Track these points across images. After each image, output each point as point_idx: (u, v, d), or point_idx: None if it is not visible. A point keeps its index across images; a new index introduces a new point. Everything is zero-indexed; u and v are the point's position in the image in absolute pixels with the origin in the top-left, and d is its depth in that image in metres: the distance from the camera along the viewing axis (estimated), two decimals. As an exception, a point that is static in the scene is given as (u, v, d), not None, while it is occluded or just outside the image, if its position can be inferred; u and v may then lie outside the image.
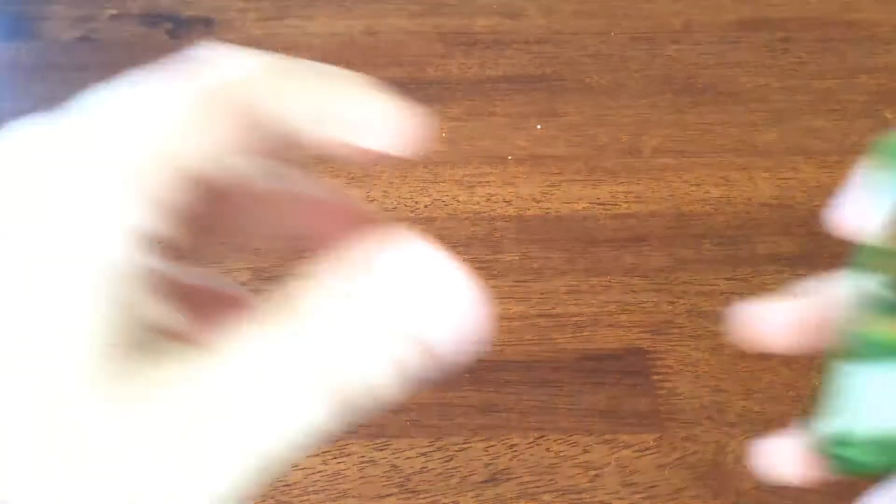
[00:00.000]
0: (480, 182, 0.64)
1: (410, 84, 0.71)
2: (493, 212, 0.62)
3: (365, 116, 0.23)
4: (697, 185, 0.62)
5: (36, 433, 0.19)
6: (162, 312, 0.23)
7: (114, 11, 0.79)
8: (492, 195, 0.63)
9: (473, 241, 0.61)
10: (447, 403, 0.50)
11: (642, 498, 0.47)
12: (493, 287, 0.57)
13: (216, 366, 0.20)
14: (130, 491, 0.19)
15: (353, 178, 0.64)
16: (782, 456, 0.28)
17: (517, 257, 0.59)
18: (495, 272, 0.58)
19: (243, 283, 0.57)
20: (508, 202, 0.62)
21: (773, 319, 0.29)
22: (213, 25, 0.78)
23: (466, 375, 0.51)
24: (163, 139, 0.20)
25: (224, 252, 0.54)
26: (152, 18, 0.79)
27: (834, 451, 0.27)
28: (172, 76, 0.22)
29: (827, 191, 0.61)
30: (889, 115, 0.67)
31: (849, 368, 0.27)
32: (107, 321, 0.20)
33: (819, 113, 0.67)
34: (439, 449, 0.49)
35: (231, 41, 0.75)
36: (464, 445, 0.49)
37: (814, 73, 0.71)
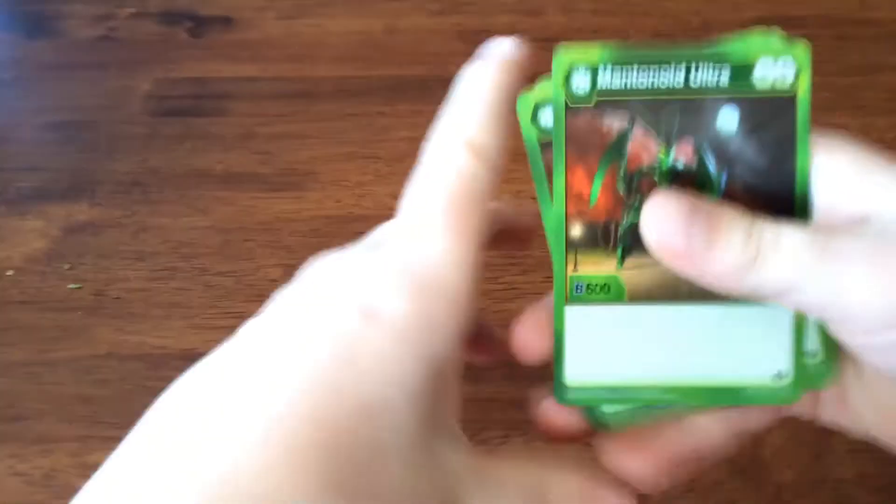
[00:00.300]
0: (506, 178, 0.64)
1: (431, 82, 0.72)
2: (520, 207, 0.62)
3: None
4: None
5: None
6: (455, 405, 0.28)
7: (133, 10, 0.80)
8: (519, 191, 0.63)
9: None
10: (485, 399, 0.50)
11: (682, 491, 0.47)
12: (526, 282, 0.58)
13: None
14: None
15: (379, 176, 0.64)
16: (546, 411, 0.30)
17: (547, 253, 0.59)
18: (526, 267, 0.58)
19: (274, 280, 0.57)
20: (535, 198, 0.63)
21: None
22: (233, 24, 0.78)
23: (503, 371, 0.51)
24: None
25: (254, 248, 0.54)
26: (172, 17, 0.79)
27: (569, 398, 0.29)
28: None
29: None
30: (910, 112, 0.68)
31: (568, 312, 0.29)
32: (428, 402, 0.25)
33: (842, 110, 0.68)
34: (479, 443, 0.49)
35: (250, 39, 0.75)
36: (503, 440, 0.49)
37: (834, 70, 0.71)
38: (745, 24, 0.75)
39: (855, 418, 0.30)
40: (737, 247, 0.26)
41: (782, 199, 0.28)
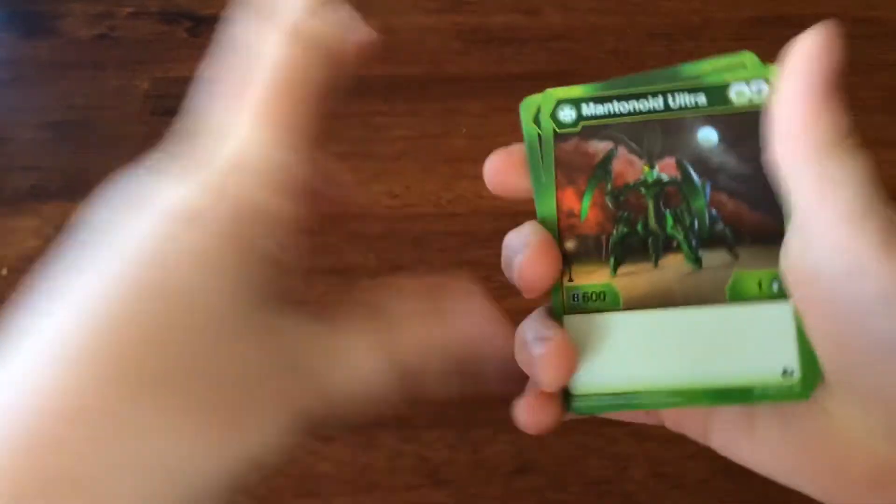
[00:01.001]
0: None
1: (429, 81, 0.72)
2: (516, 207, 0.62)
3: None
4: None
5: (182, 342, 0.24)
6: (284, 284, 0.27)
7: (132, 9, 0.80)
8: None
9: (496, 236, 0.60)
10: (474, 396, 0.50)
11: (669, 489, 0.47)
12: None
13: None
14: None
15: (376, 175, 0.64)
16: (526, 406, 0.30)
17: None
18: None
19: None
20: (531, 198, 0.63)
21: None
22: (228, 23, 0.78)
23: (493, 370, 0.51)
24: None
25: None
26: (171, 16, 0.79)
27: (579, 407, 0.30)
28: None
29: (847, 185, 0.62)
30: (907, 111, 0.67)
31: (567, 321, 0.30)
32: (251, 284, 0.26)
33: (838, 108, 0.68)
34: (467, 441, 0.49)
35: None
36: (491, 437, 0.49)
37: (832, 69, 0.71)
38: (744, 23, 0.75)
39: (764, 451, 0.30)
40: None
41: (766, 203, 0.29)
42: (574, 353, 0.30)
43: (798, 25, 0.78)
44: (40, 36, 0.78)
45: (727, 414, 0.30)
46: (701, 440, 0.31)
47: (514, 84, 0.71)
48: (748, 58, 0.29)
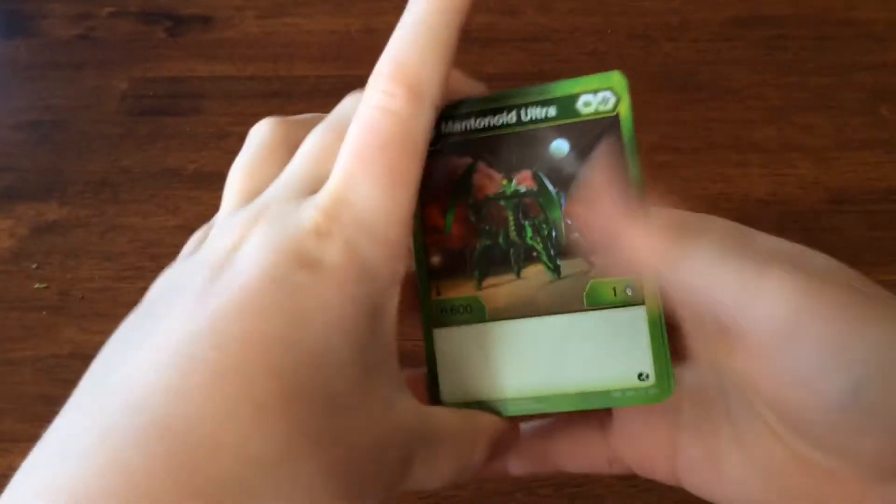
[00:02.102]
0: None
1: (408, 81, 0.72)
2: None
3: None
4: (694, 181, 0.63)
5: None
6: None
7: (112, 9, 0.80)
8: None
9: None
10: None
11: (639, 492, 0.47)
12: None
13: None
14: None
15: (351, 175, 0.64)
16: None
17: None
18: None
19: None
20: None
21: None
22: (212, 23, 0.78)
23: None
24: None
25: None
26: (151, 16, 0.79)
27: None
28: None
29: (823, 187, 0.62)
30: (885, 112, 0.67)
31: (436, 334, 0.31)
32: (371, 350, 0.25)
33: (816, 110, 0.68)
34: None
35: (228, 39, 0.75)
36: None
37: (810, 70, 0.71)
38: (724, 24, 0.75)
39: (729, 488, 0.30)
40: (661, 225, 0.27)
41: None
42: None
43: (778, 26, 0.78)
44: (19, 35, 0.77)
45: (691, 455, 0.30)
46: (673, 483, 0.31)
47: (493, 85, 0.70)
48: (615, 77, 0.30)
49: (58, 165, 0.65)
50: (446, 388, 0.31)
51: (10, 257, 0.59)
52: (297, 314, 0.23)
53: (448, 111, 0.31)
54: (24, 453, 0.50)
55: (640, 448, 0.32)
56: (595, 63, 0.73)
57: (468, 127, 0.31)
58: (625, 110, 0.30)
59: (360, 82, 0.77)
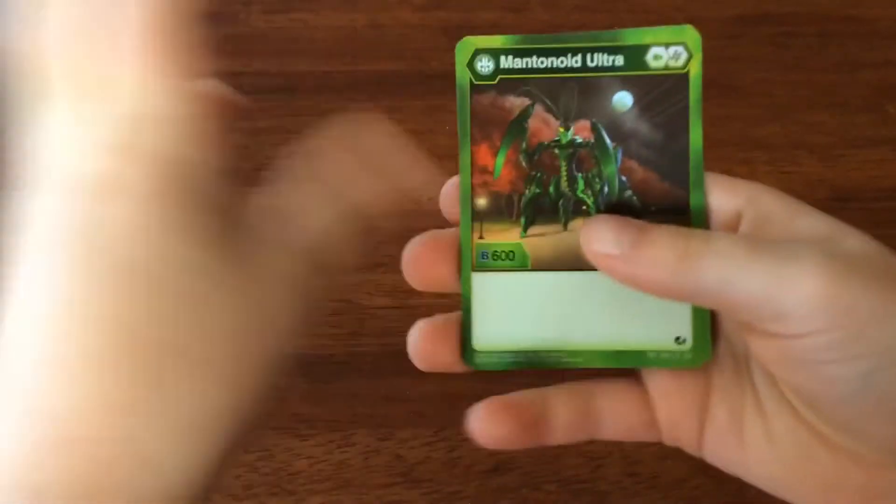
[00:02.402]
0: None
1: (414, 77, 0.72)
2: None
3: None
4: (699, 178, 0.63)
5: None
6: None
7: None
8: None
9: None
10: (450, 394, 0.50)
11: (645, 488, 0.47)
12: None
13: None
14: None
15: (357, 171, 0.64)
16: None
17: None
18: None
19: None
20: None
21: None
22: (218, 18, 0.78)
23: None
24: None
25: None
26: (156, 11, 0.79)
27: (478, 362, 0.31)
28: None
29: (829, 185, 0.62)
30: (891, 110, 0.67)
31: (475, 279, 0.31)
32: (191, 228, 0.24)
33: (821, 107, 0.68)
34: (443, 439, 0.49)
35: (234, 34, 0.75)
36: (467, 436, 0.49)
37: (816, 67, 0.71)
38: (730, 21, 0.75)
39: (748, 456, 0.30)
40: (665, 246, 0.26)
41: (675, 173, 0.29)
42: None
43: (784, 23, 0.78)
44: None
45: (717, 422, 0.31)
46: (696, 454, 0.32)
47: (498, 81, 0.71)
48: (689, 32, 0.29)
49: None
50: (480, 334, 0.31)
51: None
52: (98, 245, 0.24)
53: (509, 44, 0.30)
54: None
55: (670, 412, 0.32)
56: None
57: (529, 65, 0.30)
58: (696, 69, 0.29)
59: (364, 78, 0.77)
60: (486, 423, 0.31)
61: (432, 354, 0.31)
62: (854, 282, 0.25)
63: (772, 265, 0.25)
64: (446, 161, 0.65)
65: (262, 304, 0.25)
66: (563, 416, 0.32)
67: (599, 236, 0.27)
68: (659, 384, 0.32)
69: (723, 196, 0.29)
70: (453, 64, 0.72)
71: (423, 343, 0.31)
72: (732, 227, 0.29)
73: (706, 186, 0.29)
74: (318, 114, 0.68)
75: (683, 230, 0.27)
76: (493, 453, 0.48)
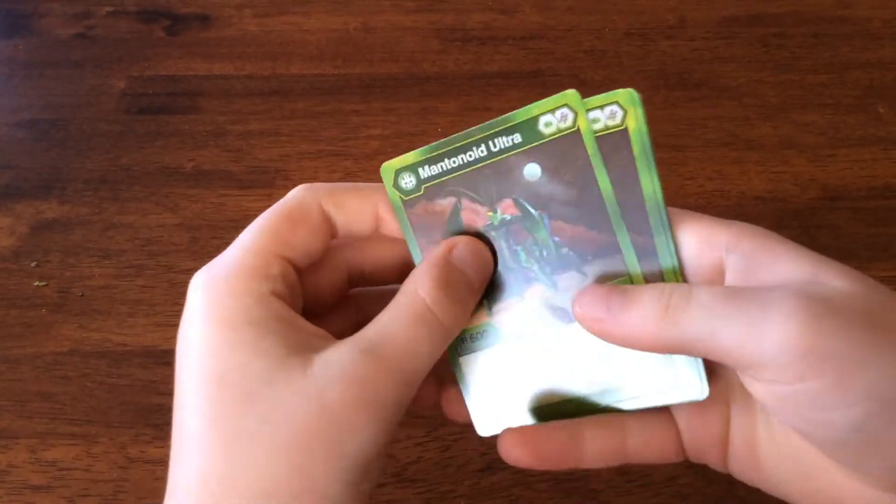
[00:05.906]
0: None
1: (406, 79, 0.72)
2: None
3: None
4: (691, 178, 0.63)
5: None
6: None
7: (110, 8, 0.80)
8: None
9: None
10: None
11: (636, 486, 0.47)
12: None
13: None
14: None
15: (348, 174, 0.64)
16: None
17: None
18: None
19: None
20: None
21: None
22: (210, 22, 0.78)
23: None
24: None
25: (222, 246, 0.54)
26: (149, 15, 0.79)
27: (486, 434, 0.34)
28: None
29: (820, 184, 0.62)
30: (881, 110, 0.67)
31: (462, 362, 0.34)
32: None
33: (812, 107, 0.68)
34: (435, 439, 0.49)
35: (226, 37, 0.76)
36: (459, 435, 0.49)
37: (807, 67, 0.71)
38: (721, 22, 0.75)
39: (765, 475, 0.32)
40: (648, 304, 0.28)
41: (599, 221, 0.31)
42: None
43: (775, 24, 0.78)
44: (19, 35, 0.78)
45: (735, 444, 0.32)
46: (722, 470, 0.34)
47: (491, 83, 0.71)
48: (571, 96, 0.30)
49: (57, 163, 0.66)
50: (478, 408, 0.34)
51: (10, 255, 0.59)
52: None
53: (422, 157, 0.32)
54: (24, 450, 0.51)
55: (696, 440, 0.33)
56: (593, 61, 0.73)
57: (444, 168, 0.32)
58: (634, 123, 0.30)
59: (357, 80, 0.77)
60: (509, 453, 0.33)
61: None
62: (833, 327, 0.25)
63: (748, 315, 0.26)
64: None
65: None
66: (595, 442, 0.33)
67: (590, 302, 0.29)
68: (684, 415, 0.33)
69: (702, 249, 0.30)
70: (446, 66, 0.73)
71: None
72: (717, 279, 0.30)
73: (680, 237, 0.30)
74: (309, 116, 0.69)
75: (667, 287, 0.28)
76: (485, 453, 0.48)
